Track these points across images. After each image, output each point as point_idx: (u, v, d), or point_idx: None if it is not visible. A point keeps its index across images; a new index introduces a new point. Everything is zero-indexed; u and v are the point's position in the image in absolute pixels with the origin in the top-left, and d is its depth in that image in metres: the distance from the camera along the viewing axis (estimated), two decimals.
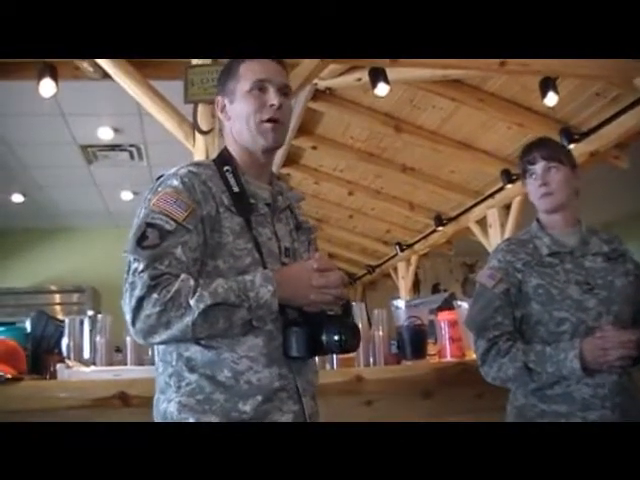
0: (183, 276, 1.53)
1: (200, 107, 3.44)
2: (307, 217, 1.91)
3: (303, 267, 1.62)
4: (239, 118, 1.74)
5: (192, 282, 1.52)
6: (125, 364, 2.84)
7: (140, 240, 1.56)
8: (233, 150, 1.78)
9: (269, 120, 1.71)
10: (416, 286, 9.94)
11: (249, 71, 1.74)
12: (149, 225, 1.58)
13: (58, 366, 2.50)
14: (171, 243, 1.56)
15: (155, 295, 1.49)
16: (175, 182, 1.64)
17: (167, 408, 1.59)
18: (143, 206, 1.64)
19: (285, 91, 1.75)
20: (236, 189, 1.69)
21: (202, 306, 1.49)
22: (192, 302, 1.49)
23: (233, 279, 1.56)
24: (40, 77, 3.83)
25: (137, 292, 1.50)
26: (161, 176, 1.70)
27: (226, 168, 1.72)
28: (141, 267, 1.52)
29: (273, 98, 1.71)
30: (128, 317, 1.52)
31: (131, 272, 1.54)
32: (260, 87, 1.72)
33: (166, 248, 1.55)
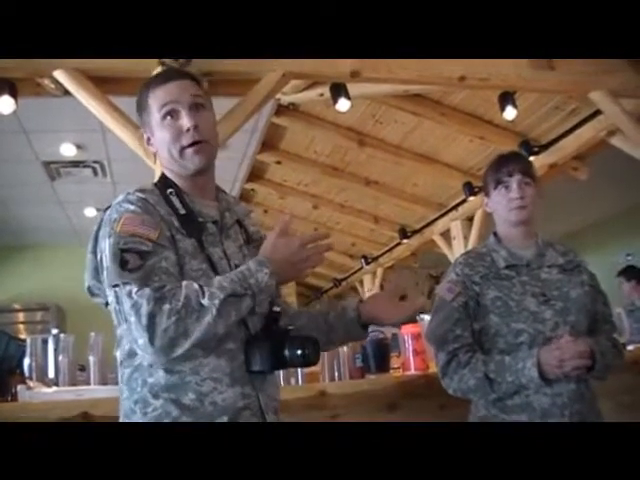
0: (185, 282, 1.51)
1: None
2: (258, 227, 1.88)
3: (285, 245, 1.61)
4: (162, 148, 1.71)
5: (196, 285, 1.50)
6: (88, 383, 2.80)
7: (122, 265, 1.52)
8: (170, 174, 1.74)
9: (190, 145, 1.67)
10: None
11: (155, 99, 1.70)
12: (124, 251, 1.53)
13: (19, 387, 2.47)
14: (154, 261, 1.53)
15: (167, 306, 1.45)
16: (131, 207, 1.60)
17: None
18: (105, 238, 1.59)
19: (199, 103, 1.70)
20: (182, 211, 1.66)
21: (217, 302, 1.48)
22: (205, 302, 1.48)
23: (227, 274, 1.56)
24: None
25: (144, 310, 1.45)
26: (108, 208, 1.66)
27: (169, 191, 1.69)
28: (136, 287, 1.48)
29: (187, 121, 1.66)
30: (142, 340, 1.46)
31: (126, 297, 1.48)
32: (170, 112, 1.68)
33: (152, 265, 1.52)
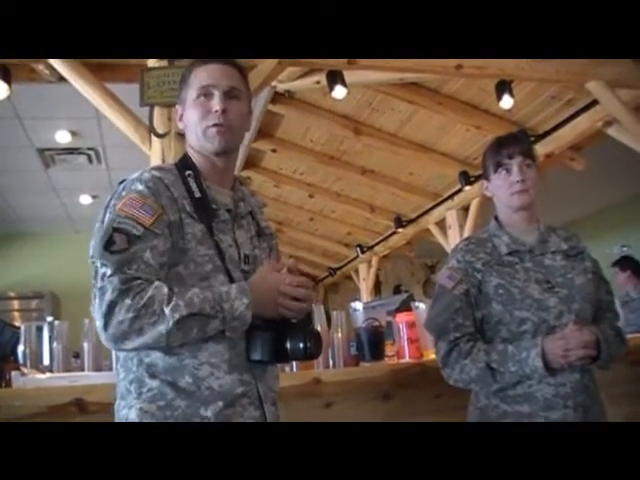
0: (157, 283, 1.52)
1: (156, 110, 3.41)
2: (269, 223, 1.91)
3: (276, 280, 1.62)
4: (189, 125, 1.75)
5: (166, 290, 1.51)
6: (83, 370, 2.80)
7: (107, 245, 1.54)
8: (192, 155, 1.77)
9: (214, 125, 1.70)
10: (377, 288, 9.99)
11: (196, 78, 1.74)
12: (116, 230, 1.56)
13: (13, 373, 2.46)
14: (140, 247, 1.54)
15: (128, 300, 1.47)
16: (140, 186, 1.62)
17: (128, 415, 1.58)
18: (107, 211, 1.62)
19: (234, 94, 1.74)
20: (198, 195, 1.68)
21: (177, 316, 1.49)
22: (167, 311, 1.48)
23: (208, 289, 1.56)
24: None
25: (108, 297, 1.48)
26: (123, 181, 1.68)
27: (188, 173, 1.71)
28: (109, 272, 1.50)
29: (217, 104, 1.70)
30: (99, 323, 1.49)
31: (99, 277, 1.52)
32: (205, 93, 1.72)
33: (135, 252, 1.54)
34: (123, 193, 1.63)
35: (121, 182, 1.69)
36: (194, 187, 1.69)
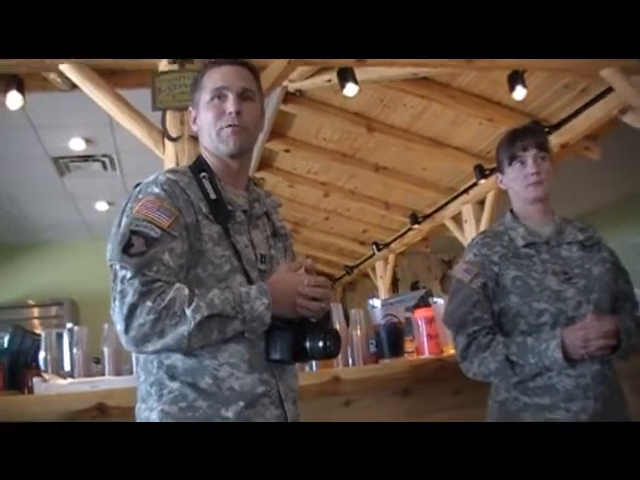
0: (177, 285, 1.53)
1: (169, 114, 3.42)
2: (284, 222, 1.91)
3: (294, 281, 1.62)
4: (203, 128, 1.76)
5: (187, 291, 1.52)
6: (103, 375, 2.82)
7: (126, 248, 1.55)
8: (207, 157, 1.78)
9: (229, 126, 1.71)
10: (395, 285, 9.96)
11: (209, 80, 1.75)
12: (134, 233, 1.56)
13: (34, 380, 2.48)
14: (158, 250, 1.55)
15: (149, 303, 1.48)
16: (156, 189, 1.63)
17: (149, 417, 1.59)
18: (124, 214, 1.63)
19: (247, 95, 1.75)
20: (213, 196, 1.69)
21: (199, 317, 1.49)
22: (188, 312, 1.49)
23: (228, 290, 1.56)
24: (6, 90, 3.79)
25: (129, 299, 1.48)
26: (139, 184, 1.69)
27: (202, 175, 1.72)
28: (130, 274, 1.51)
29: (231, 105, 1.71)
30: (120, 326, 1.50)
31: (119, 280, 1.52)
32: (219, 95, 1.73)
33: (154, 255, 1.54)
34: (140, 196, 1.64)
35: (136, 185, 1.70)
36: (209, 189, 1.70)
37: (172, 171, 1.73)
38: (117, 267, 1.54)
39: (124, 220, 1.61)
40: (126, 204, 1.66)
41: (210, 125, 1.73)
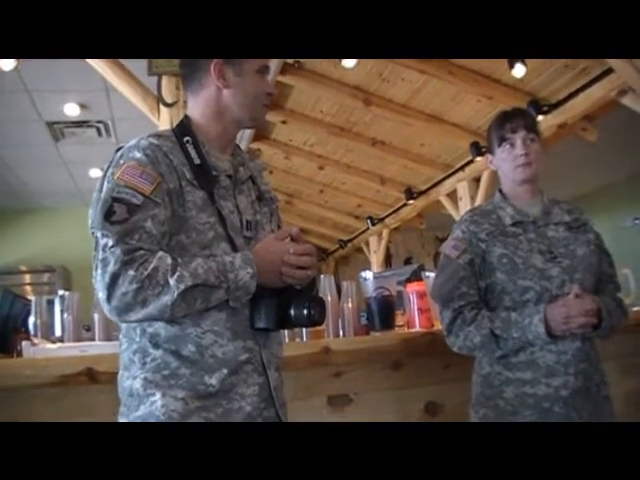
0: (160, 253, 1.50)
1: (164, 80, 3.40)
2: (269, 186, 1.89)
3: (280, 249, 1.61)
4: (245, 93, 1.72)
5: (170, 260, 1.50)
6: (93, 341, 2.81)
7: (107, 215, 1.51)
8: (201, 118, 1.73)
9: (265, 105, 1.76)
10: (388, 260, 10.00)
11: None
12: (115, 200, 1.53)
13: (23, 344, 2.48)
14: (140, 217, 1.52)
15: (131, 272, 1.45)
16: (138, 154, 1.59)
17: (132, 385, 1.57)
18: (106, 180, 1.59)
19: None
20: (197, 161, 1.65)
21: (182, 287, 1.47)
22: (172, 282, 1.47)
23: (212, 259, 1.54)
24: None
25: (110, 268, 1.46)
26: (120, 147, 1.65)
27: (186, 139, 1.68)
28: (111, 242, 1.48)
29: (272, 86, 1.77)
30: (102, 294, 1.47)
31: (101, 248, 1.49)
32: (265, 72, 1.75)
33: (136, 222, 1.51)
34: (121, 161, 1.60)
35: (118, 149, 1.65)
36: (193, 154, 1.66)
37: (155, 135, 1.68)
38: (99, 235, 1.51)
39: (105, 186, 1.57)
40: (107, 168, 1.62)
41: (256, 96, 1.74)
